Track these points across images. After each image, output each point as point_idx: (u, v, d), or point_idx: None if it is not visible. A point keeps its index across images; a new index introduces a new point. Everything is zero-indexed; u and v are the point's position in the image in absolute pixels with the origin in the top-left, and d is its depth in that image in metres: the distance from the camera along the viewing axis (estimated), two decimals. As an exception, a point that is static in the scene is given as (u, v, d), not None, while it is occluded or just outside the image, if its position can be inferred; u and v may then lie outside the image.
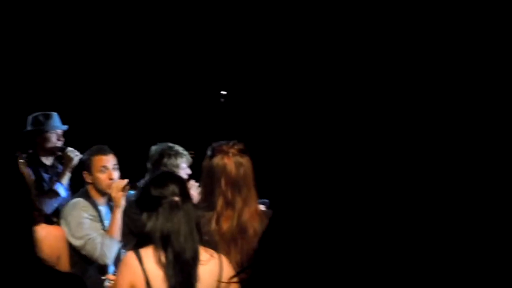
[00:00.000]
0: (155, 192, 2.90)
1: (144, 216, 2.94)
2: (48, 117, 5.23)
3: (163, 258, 2.79)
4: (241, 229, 3.13)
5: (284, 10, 6.41)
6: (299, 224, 1.19)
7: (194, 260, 2.82)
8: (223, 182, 3.16)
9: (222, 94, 6.89)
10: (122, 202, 4.10)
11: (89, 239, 4.00)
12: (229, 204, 3.15)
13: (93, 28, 6.65)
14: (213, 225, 3.13)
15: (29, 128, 5.23)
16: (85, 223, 4.08)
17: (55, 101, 5.79)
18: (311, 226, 1.17)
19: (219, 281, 2.86)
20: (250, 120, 6.47)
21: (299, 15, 6.36)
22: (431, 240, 1.18)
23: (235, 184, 3.16)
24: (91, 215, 4.14)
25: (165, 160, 4.56)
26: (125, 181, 4.20)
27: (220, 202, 3.15)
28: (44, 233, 2.88)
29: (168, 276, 2.77)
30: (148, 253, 2.82)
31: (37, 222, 2.81)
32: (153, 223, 2.85)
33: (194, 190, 4.44)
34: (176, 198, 2.87)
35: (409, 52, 5.45)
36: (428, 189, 1.22)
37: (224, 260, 2.94)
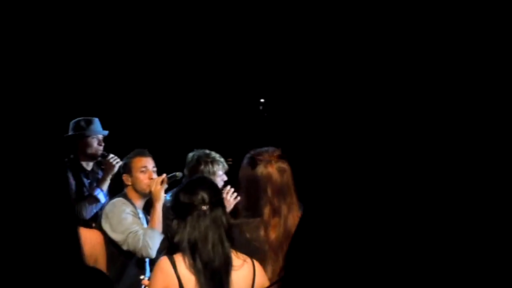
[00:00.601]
0: (184, 199, 2.92)
1: (174, 223, 2.97)
2: (89, 122, 5.26)
3: (193, 266, 2.79)
4: (287, 235, 3.12)
5: (324, 20, 6.40)
6: (327, 225, 1.17)
7: (225, 267, 2.82)
8: (269, 190, 3.15)
9: (261, 102, 6.90)
10: (162, 196, 4.16)
11: (131, 232, 4.03)
12: (275, 212, 3.14)
13: (135, 37, 6.71)
14: (262, 232, 3.12)
15: (70, 133, 5.26)
16: (126, 218, 4.11)
17: (96, 107, 5.84)
18: (341, 228, 1.14)
19: (252, 286, 2.86)
20: (286, 127, 6.46)
21: (339, 25, 6.34)
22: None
23: (280, 192, 3.16)
24: (131, 210, 4.17)
25: (202, 166, 4.59)
26: (164, 175, 4.27)
27: (267, 211, 3.14)
28: (82, 237, 2.88)
29: (200, 283, 2.77)
30: (180, 259, 2.82)
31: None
32: (181, 231, 2.87)
33: (230, 196, 4.46)
34: (204, 207, 2.87)
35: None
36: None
37: (258, 265, 2.93)
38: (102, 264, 3.01)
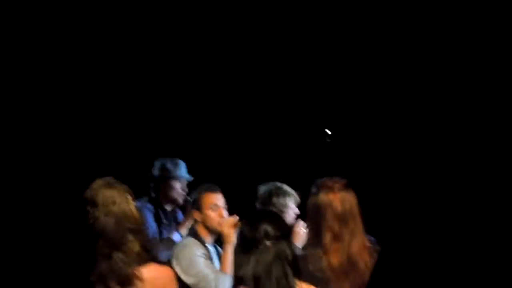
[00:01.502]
0: (247, 233, 2.92)
1: (238, 257, 2.98)
2: (176, 165, 5.25)
3: None
4: (351, 262, 3.11)
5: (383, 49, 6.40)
6: (409, 261, 1.20)
7: None
8: (329, 216, 3.18)
9: (327, 133, 6.90)
10: (234, 239, 4.04)
11: (203, 275, 4.00)
12: (336, 237, 3.16)
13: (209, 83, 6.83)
14: (324, 261, 3.13)
15: (156, 173, 5.25)
16: (197, 260, 4.08)
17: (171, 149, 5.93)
18: (421, 263, 1.17)
19: None
20: (354, 159, 6.45)
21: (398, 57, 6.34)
22: None
23: (341, 218, 3.18)
24: (202, 253, 4.15)
25: (274, 199, 4.60)
26: (236, 217, 4.20)
27: (327, 237, 3.17)
28: (154, 273, 2.94)
29: None
30: None
31: (146, 262, 2.90)
32: (245, 266, 2.87)
33: (302, 229, 4.47)
34: (268, 242, 2.86)
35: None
36: None
37: None
38: None
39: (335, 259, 3.13)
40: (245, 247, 2.95)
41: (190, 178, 5.30)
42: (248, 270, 2.86)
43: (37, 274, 4.92)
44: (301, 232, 4.44)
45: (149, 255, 2.94)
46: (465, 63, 5.71)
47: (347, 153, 6.67)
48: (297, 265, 2.93)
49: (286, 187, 4.71)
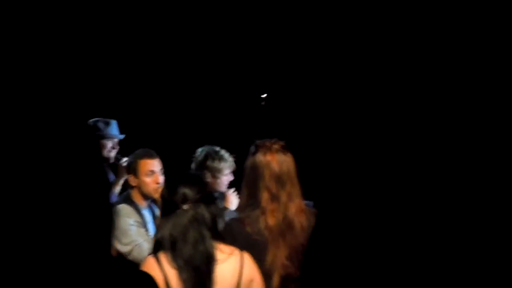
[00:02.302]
0: (166, 197, 2.96)
1: (158, 221, 3.04)
2: (107, 124, 5.23)
3: (174, 263, 2.84)
4: (288, 224, 3.13)
5: (325, 13, 6.42)
6: (347, 222, 1.22)
7: (207, 264, 2.85)
8: (267, 177, 3.18)
9: (263, 97, 6.92)
10: None
11: (136, 245, 3.98)
12: (274, 198, 3.16)
13: (141, 38, 6.74)
14: (261, 221, 3.15)
15: None
16: (131, 229, 4.06)
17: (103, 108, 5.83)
18: (359, 225, 1.19)
19: (240, 278, 2.89)
20: (290, 123, 6.49)
21: (336, 15, 6.36)
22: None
23: (279, 179, 3.18)
24: (136, 221, 4.12)
25: (209, 162, 4.59)
26: None
27: (265, 197, 3.17)
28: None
29: (182, 279, 2.82)
30: (163, 256, 2.88)
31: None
32: (163, 230, 2.91)
33: (234, 197, 4.49)
34: (185, 205, 2.90)
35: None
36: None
37: (247, 257, 2.95)
38: None
39: (272, 220, 3.15)
40: (164, 210, 2.99)
41: (121, 137, 5.28)
42: (166, 233, 2.89)
43: None
44: (233, 196, 4.47)
45: None
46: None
47: (282, 116, 6.71)
48: (217, 228, 2.97)
49: (223, 152, 4.69)
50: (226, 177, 4.66)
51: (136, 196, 4.26)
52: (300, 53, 6.64)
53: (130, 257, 3.98)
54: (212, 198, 3.06)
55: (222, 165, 4.63)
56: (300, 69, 6.68)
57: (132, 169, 4.29)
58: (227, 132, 6.36)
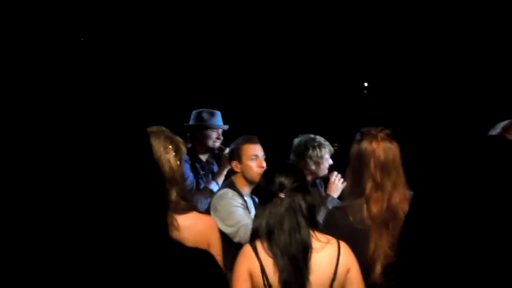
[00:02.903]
0: (263, 185, 2.98)
1: (256, 210, 3.06)
2: (212, 115, 5.27)
3: (271, 251, 2.84)
4: (392, 213, 3.06)
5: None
6: (440, 209, 1.16)
7: (304, 253, 2.83)
8: (372, 165, 3.11)
9: (365, 86, 6.86)
10: None
11: (243, 225, 3.95)
12: (378, 186, 3.09)
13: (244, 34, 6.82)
14: (364, 212, 3.09)
15: (191, 122, 5.29)
16: (236, 211, 4.06)
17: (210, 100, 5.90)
18: (453, 213, 1.14)
19: (337, 267, 2.87)
20: (393, 111, 6.41)
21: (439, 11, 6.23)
22: None
23: (384, 168, 3.11)
24: (240, 203, 4.13)
25: (310, 151, 4.60)
26: None
27: (369, 185, 3.10)
28: (193, 221, 2.94)
29: (279, 266, 2.82)
30: (260, 244, 2.89)
31: (184, 211, 2.90)
32: (260, 218, 2.92)
33: (338, 181, 4.47)
34: (282, 194, 2.90)
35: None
36: None
37: (344, 246, 2.92)
38: (217, 249, 2.98)
39: (376, 208, 3.09)
40: (261, 199, 3.03)
41: (226, 127, 5.32)
42: (262, 221, 2.90)
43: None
44: (336, 182, 4.45)
45: (188, 205, 2.95)
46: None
47: (384, 106, 6.64)
48: (313, 217, 2.96)
49: (320, 138, 4.69)
50: (327, 162, 4.65)
51: (239, 181, 4.27)
52: (403, 41, 6.54)
53: (237, 238, 3.97)
54: (307, 187, 3.06)
55: (323, 151, 4.64)
56: (403, 57, 6.58)
57: (236, 155, 4.30)
58: (328, 121, 6.34)
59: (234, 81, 6.97)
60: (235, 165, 4.30)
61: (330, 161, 4.70)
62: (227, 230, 4.00)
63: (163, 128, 2.98)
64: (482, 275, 1.11)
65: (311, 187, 4.73)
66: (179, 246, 1.30)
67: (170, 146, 2.92)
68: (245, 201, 4.24)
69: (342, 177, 4.38)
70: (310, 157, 4.60)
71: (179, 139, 2.99)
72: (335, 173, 4.53)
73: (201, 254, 1.31)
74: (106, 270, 1.16)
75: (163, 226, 1.28)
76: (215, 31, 6.81)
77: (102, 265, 1.16)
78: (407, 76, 6.58)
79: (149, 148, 1.29)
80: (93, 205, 1.17)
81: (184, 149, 2.99)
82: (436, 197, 1.19)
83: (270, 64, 6.96)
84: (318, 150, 4.63)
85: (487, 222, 1.12)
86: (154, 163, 1.30)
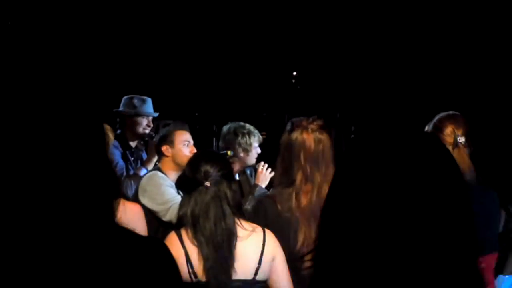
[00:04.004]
0: (189, 174, 2.97)
1: (182, 198, 3.06)
2: (143, 101, 5.22)
3: (195, 239, 2.84)
4: (321, 205, 3.08)
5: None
6: (357, 197, 1.17)
7: (228, 241, 2.84)
8: (302, 157, 3.10)
9: (294, 75, 6.90)
10: None
11: (174, 203, 3.87)
12: (308, 179, 3.08)
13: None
14: (293, 201, 3.08)
15: (122, 108, 5.23)
16: (166, 189, 4.01)
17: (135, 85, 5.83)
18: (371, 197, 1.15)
19: (262, 255, 2.87)
20: (319, 101, 6.47)
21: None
22: None
23: (314, 160, 3.10)
24: (170, 184, 4.08)
25: (239, 138, 4.60)
26: None
27: (299, 177, 3.09)
28: (121, 208, 2.90)
29: (203, 255, 2.82)
30: (185, 232, 2.88)
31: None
32: (186, 206, 2.92)
33: (266, 170, 4.48)
34: (207, 182, 2.90)
35: None
36: None
37: (269, 234, 2.93)
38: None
39: (305, 200, 3.10)
40: (187, 187, 3.00)
41: (156, 115, 5.28)
42: (187, 210, 2.90)
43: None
44: (264, 172, 4.46)
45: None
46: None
47: (313, 95, 6.69)
48: (239, 205, 2.98)
49: (249, 126, 4.70)
50: (255, 150, 4.65)
51: (166, 167, 4.21)
52: (333, 29, 6.60)
53: (167, 217, 3.91)
54: (233, 175, 3.06)
55: (252, 139, 4.64)
56: (332, 46, 6.64)
57: (168, 139, 4.23)
58: (257, 110, 6.36)
59: (165, 68, 6.91)
60: (165, 149, 4.22)
61: (259, 150, 4.71)
62: (157, 208, 3.96)
63: None
64: (401, 264, 1.13)
65: (241, 175, 4.76)
66: (129, 234, 1.28)
67: None
68: (173, 185, 4.13)
69: (270, 166, 4.38)
70: (239, 144, 4.59)
71: (107, 126, 2.94)
72: (262, 163, 4.53)
73: (151, 242, 1.30)
74: (52, 258, 1.13)
75: (111, 214, 1.26)
76: (147, 16, 6.73)
77: (48, 253, 1.13)
78: (337, 65, 6.65)
79: (98, 135, 1.26)
80: (38, 192, 1.14)
81: (111, 136, 2.95)
82: (353, 185, 1.20)
83: (201, 52, 6.92)
84: (247, 137, 4.63)
85: (403, 214, 1.13)
86: (103, 150, 1.27)
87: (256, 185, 4.48)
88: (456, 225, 1.11)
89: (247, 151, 4.62)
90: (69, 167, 1.15)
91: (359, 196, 1.15)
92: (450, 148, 3.10)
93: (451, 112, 3.30)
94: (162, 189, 4.03)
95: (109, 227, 1.23)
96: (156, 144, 4.35)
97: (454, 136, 3.15)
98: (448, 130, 3.18)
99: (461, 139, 3.14)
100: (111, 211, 1.25)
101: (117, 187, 1.29)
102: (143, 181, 4.14)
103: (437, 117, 3.31)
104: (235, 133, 4.62)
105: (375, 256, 1.09)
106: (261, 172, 4.50)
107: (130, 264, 1.19)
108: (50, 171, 1.12)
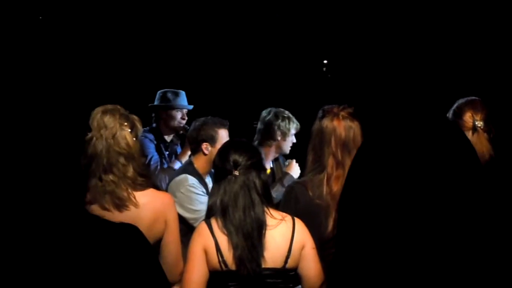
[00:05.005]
0: (218, 164, 2.98)
1: (212, 188, 3.08)
2: (176, 95, 5.25)
3: (225, 228, 2.85)
4: None
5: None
6: (375, 186, 1.18)
7: (258, 230, 2.84)
8: (333, 143, 3.14)
9: (324, 63, 6.88)
10: None
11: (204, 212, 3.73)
12: (339, 164, 3.12)
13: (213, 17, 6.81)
14: (325, 187, 3.11)
15: (156, 103, 5.27)
16: (197, 198, 4.00)
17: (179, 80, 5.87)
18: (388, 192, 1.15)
19: (292, 244, 2.88)
20: (353, 89, 6.45)
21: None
22: None
23: (344, 146, 3.14)
24: (201, 191, 4.06)
25: (279, 121, 4.60)
26: None
27: (330, 163, 3.13)
28: (150, 198, 2.94)
29: (233, 243, 2.83)
30: (215, 221, 2.89)
31: (143, 188, 2.90)
32: (215, 195, 2.94)
33: (296, 167, 4.50)
34: (236, 171, 2.91)
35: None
36: None
37: (299, 223, 2.94)
38: (174, 226, 3.01)
39: (336, 186, 3.11)
40: (216, 177, 3.02)
41: (190, 107, 5.30)
42: (217, 200, 2.92)
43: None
44: (296, 166, 4.49)
45: (146, 182, 2.95)
46: None
47: (345, 84, 6.67)
48: (268, 194, 2.97)
49: (289, 113, 4.70)
50: (291, 138, 4.67)
51: (201, 163, 4.19)
52: (364, 18, 6.57)
53: (197, 223, 3.89)
54: (262, 164, 3.06)
55: (291, 125, 4.64)
56: (364, 35, 6.61)
57: (210, 137, 4.20)
58: (290, 98, 6.35)
59: (198, 61, 6.95)
60: (205, 147, 4.18)
61: (294, 139, 4.70)
62: (187, 215, 3.96)
63: (118, 107, 2.98)
64: (417, 251, 1.13)
65: (274, 161, 4.78)
66: (100, 221, 1.30)
67: (126, 123, 2.93)
68: (205, 184, 4.16)
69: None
70: (279, 127, 4.60)
71: (134, 117, 3.00)
72: (294, 161, 4.55)
73: (124, 229, 1.32)
74: (23, 247, 1.16)
75: (80, 202, 1.28)
76: (176, 11, 6.79)
77: (19, 241, 1.15)
78: (369, 54, 6.62)
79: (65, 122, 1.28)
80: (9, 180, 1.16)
81: (139, 127, 3.01)
82: (369, 173, 1.20)
83: (231, 43, 6.95)
84: (287, 121, 4.63)
85: (419, 204, 1.13)
86: (70, 137, 1.29)
87: (286, 173, 4.51)
88: (472, 214, 1.12)
89: (285, 135, 4.63)
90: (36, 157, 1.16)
91: (375, 183, 1.16)
92: (469, 133, 3.13)
93: (470, 98, 3.31)
94: (193, 197, 4.01)
95: (79, 215, 1.24)
96: (193, 138, 4.27)
97: (472, 121, 3.17)
98: (467, 115, 3.20)
99: (480, 124, 3.16)
100: (80, 200, 1.27)
101: (81, 175, 1.30)
102: (173, 185, 4.09)
103: (456, 103, 3.33)
104: (276, 115, 4.62)
105: (392, 244, 1.11)
106: (294, 164, 4.53)
107: (101, 250, 1.22)
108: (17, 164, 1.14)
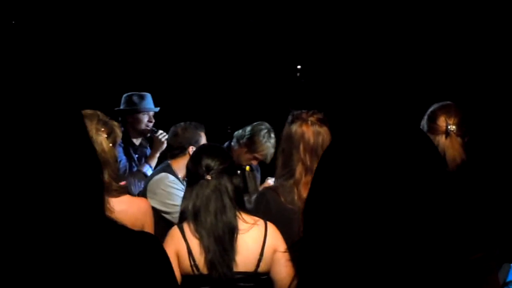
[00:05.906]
0: (191, 168, 3.02)
1: (184, 192, 3.10)
2: (142, 98, 5.22)
3: (197, 232, 2.88)
4: None
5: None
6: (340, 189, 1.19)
7: (230, 234, 2.87)
8: (301, 148, 3.15)
9: (298, 68, 6.89)
10: None
11: None
12: (308, 170, 3.11)
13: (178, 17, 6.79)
14: (295, 192, 3.12)
15: (122, 107, 5.23)
16: (177, 193, 4.00)
17: (145, 82, 5.85)
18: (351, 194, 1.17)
19: (263, 248, 2.90)
20: (325, 94, 6.46)
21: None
22: None
23: (313, 151, 3.14)
24: (181, 188, 4.07)
25: (260, 138, 4.62)
26: None
27: (299, 169, 3.14)
28: (126, 205, 2.95)
29: (205, 247, 2.85)
30: (187, 225, 2.92)
31: (117, 194, 2.90)
32: (186, 200, 2.96)
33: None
34: (208, 176, 2.94)
35: None
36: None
37: (271, 227, 2.96)
38: (150, 231, 3.03)
39: (306, 192, 3.11)
40: (189, 181, 3.05)
41: (156, 109, 5.27)
42: (189, 203, 2.94)
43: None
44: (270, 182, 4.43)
45: (120, 187, 2.96)
46: None
47: (316, 88, 6.69)
48: (240, 198, 3.00)
49: (273, 133, 4.68)
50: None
51: (177, 165, 4.21)
52: (338, 23, 6.60)
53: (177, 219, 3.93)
54: (234, 169, 3.09)
55: (273, 141, 4.63)
56: (336, 40, 6.64)
57: (195, 140, 4.27)
58: (264, 103, 6.36)
59: (165, 63, 6.92)
60: (191, 150, 4.16)
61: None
62: (168, 209, 3.97)
63: (98, 112, 2.99)
64: (379, 251, 1.14)
65: (249, 171, 4.78)
66: (120, 228, 1.29)
67: (103, 129, 2.93)
68: (184, 185, 4.09)
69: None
70: (256, 144, 4.64)
71: (114, 123, 3.00)
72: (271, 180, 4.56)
73: (143, 237, 1.31)
74: (42, 254, 1.15)
75: (101, 208, 1.26)
76: (141, 12, 6.75)
77: (38, 248, 1.15)
78: (341, 59, 6.65)
79: (83, 128, 1.28)
80: (28, 187, 1.16)
81: (119, 133, 3.01)
82: (334, 177, 1.21)
83: (201, 46, 6.93)
84: (268, 143, 4.65)
85: (382, 206, 1.14)
86: (89, 144, 1.29)
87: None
88: (435, 216, 1.14)
89: (263, 155, 4.66)
90: (53, 160, 1.16)
91: (339, 187, 1.17)
92: (442, 137, 3.16)
93: (444, 102, 3.35)
94: (173, 192, 4.02)
95: (99, 221, 1.24)
96: (178, 143, 4.30)
97: (446, 125, 3.19)
98: (441, 119, 3.21)
99: (453, 128, 3.18)
100: (100, 205, 1.26)
101: (101, 180, 1.30)
102: (153, 184, 4.12)
103: (431, 108, 3.36)
104: (262, 135, 4.64)
105: (357, 247, 1.12)
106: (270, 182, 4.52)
107: (121, 258, 1.22)
108: (35, 167, 1.14)
